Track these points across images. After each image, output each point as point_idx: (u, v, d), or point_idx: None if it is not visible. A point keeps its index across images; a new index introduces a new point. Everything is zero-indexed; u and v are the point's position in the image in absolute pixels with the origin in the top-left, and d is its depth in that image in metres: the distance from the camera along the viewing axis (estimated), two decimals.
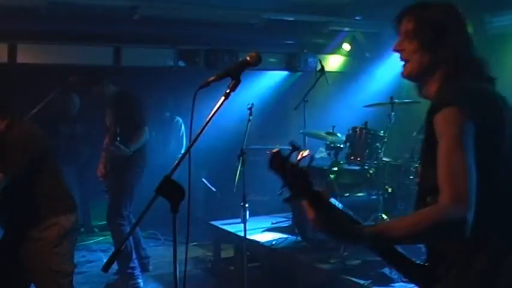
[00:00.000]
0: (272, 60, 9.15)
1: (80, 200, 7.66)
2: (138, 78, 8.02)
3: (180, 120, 8.86)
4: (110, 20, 7.28)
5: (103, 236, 8.56)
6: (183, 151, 8.54)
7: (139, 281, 6.32)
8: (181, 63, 8.28)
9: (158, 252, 7.43)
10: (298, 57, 9.08)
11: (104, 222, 7.25)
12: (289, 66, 9.19)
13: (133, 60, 7.92)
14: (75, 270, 4.19)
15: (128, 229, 6.08)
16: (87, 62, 7.87)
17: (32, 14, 6.76)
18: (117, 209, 6.22)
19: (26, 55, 7.62)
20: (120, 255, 2.38)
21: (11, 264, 3.94)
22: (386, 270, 4.92)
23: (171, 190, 2.27)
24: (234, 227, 6.71)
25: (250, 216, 5.78)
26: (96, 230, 8.85)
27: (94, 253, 7.88)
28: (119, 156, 6.25)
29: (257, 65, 2.53)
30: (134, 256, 6.30)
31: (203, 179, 8.13)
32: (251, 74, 2.34)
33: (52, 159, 3.94)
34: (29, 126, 4.03)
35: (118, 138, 6.23)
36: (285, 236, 6.45)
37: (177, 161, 2.31)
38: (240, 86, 2.44)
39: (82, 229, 8.02)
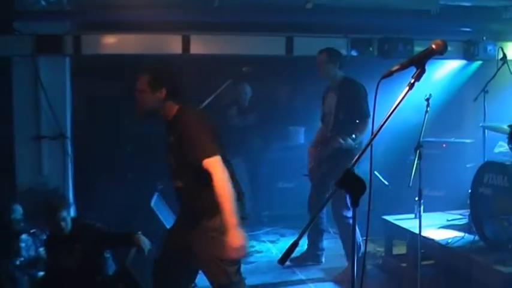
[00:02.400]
0: (449, 48, 8.74)
1: (249, 190, 7.88)
2: (309, 68, 8.07)
3: None
4: (282, 9, 7.40)
5: (272, 226, 8.74)
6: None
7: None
8: (354, 53, 8.22)
9: (327, 245, 7.45)
10: (476, 45, 8.64)
11: (275, 213, 7.41)
12: (467, 54, 8.77)
13: (305, 50, 7.97)
14: (244, 259, 4.29)
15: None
16: (259, 52, 8.06)
17: (205, 5, 7.05)
18: (342, 202, 6.25)
19: (199, 46, 7.95)
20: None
21: (183, 252, 4.12)
22: None
23: (352, 183, 2.27)
24: (407, 223, 6.54)
25: (424, 211, 5.59)
26: (265, 220, 9.04)
27: (263, 243, 8.08)
28: (339, 149, 6.32)
29: (443, 53, 2.48)
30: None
31: (375, 172, 8.00)
32: (427, 63, 2.29)
33: (221, 147, 4.07)
34: (200, 111, 4.23)
35: (337, 129, 6.42)
36: (461, 234, 6.19)
37: (358, 154, 2.29)
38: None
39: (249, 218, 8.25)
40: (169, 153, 4.12)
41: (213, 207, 3.84)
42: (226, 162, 4.04)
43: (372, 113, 2.28)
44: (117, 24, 7.68)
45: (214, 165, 3.79)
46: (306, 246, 7.13)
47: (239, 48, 7.95)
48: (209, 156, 3.80)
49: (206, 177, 3.81)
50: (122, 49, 7.81)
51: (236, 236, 3.71)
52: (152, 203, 6.80)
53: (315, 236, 7.06)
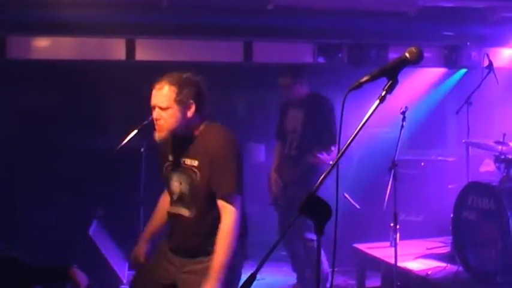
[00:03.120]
0: (428, 55, 8.93)
1: None
2: (270, 76, 8.13)
3: None
4: (240, 10, 7.43)
5: None
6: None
7: None
8: (321, 60, 8.29)
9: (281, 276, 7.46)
10: (459, 51, 8.80)
11: None
12: (448, 62, 8.93)
13: (266, 56, 8.03)
14: None
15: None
16: (214, 58, 8.09)
17: (153, 5, 7.04)
18: (304, 222, 6.26)
19: (145, 52, 7.95)
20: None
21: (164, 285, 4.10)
22: None
23: (316, 208, 2.29)
24: (381, 252, 6.61)
25: (401, 239, 5.66)
26: None
27: None
28: (308, 168, 6.46)
29: (418, 62, 2.51)
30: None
31: (345, 194, 8.06)
32: (402, 72, 2.31)
33: None
34: (229, 130, 4.14)
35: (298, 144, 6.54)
36: (443, 264, 6.27)
37: (322, 175, 2.30)
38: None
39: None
40: (178, 178, 3.99)
41: (212, 244, 3.82)
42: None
43: (338, 129, 2.31)
44: (50, 25, 7.59)
45: (233, 206, 3.78)
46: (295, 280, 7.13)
47: (191, 55, 7.97)
48: (232, 195, 3.79)
49: (215, 208, 3.83)
50: (55, 54, 7.76)
51: None
52: (90, 232, 6.73)
53: (299, 267, 7.04)
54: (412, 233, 7.22)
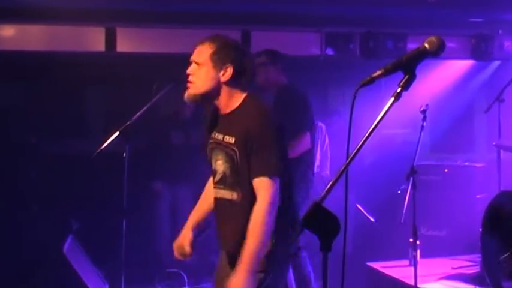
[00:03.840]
0: (453, 45, 8.95)
1: None
2: None
3: (324, 127, 8.88)
4: None
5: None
6: (327, 169, 8.55)
7: None
8: (329, 52, 8.30)
9: None
10: (489, 41, 8.81)
11: None
12: (477, 53, 8.93)
13: (266, 47, 8.02)
14: None
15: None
16: None
17: None
18: None
19: (127, 42, 7.96)
20: None
21: None
22: None
23: (322, 221, 2.27)
24: (399, 272, 6.59)
25: (422, 257, 5.66)
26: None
27: None
28: None
29: (439, 54, 2.50)
30: None
31: (357, 205, 8.08)
32: (423, 65, 2.29)
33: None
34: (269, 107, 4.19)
35: None
36: (471, 287, 6.26)
37: (330, 183, 2.30)
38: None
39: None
40: (216, 156, 4.09)
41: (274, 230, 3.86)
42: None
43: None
44: (16, 11, 7.60)
45: (269, 188, 3.80)
46: None
47: (180, 46, 7.92)
48: (268, 176, 3.81)
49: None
50: (22, 44, 7.76)
51: (244, 283, 3.72)
52: (65, 249, 6.73)
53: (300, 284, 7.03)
54: (435, 249, 7.22)
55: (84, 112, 9.03)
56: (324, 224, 2.27)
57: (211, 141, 4.11)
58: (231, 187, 4.01)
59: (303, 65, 8.68)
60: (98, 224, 7.31)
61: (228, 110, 3.99)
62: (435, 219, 7.77)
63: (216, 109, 4.04)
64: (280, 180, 3.83)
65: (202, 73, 3.92)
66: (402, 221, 5.48)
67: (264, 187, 3.79)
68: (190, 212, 7.74)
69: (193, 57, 3.96)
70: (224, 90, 3.94)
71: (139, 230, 7.03)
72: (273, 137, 3.88)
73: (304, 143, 6.48)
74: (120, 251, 5.65)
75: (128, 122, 5.39)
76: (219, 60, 3.89)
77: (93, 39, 7.84)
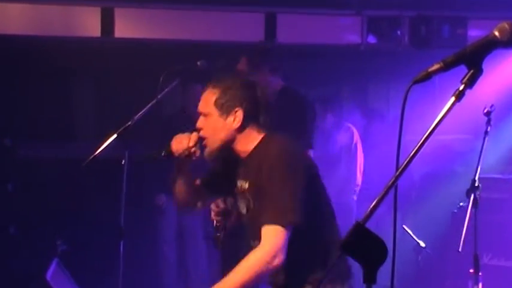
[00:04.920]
0: None
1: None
2: (300, 62, 8.16)
3: (352, 128, 8.86)
4: None
5: None
6: (358, 181, 8.56)
7: None
8: (371, 40, 8.32)
9: None
10: None
11: None
12: None
13: (295, 33, 8.07)
14: None
15: None
16: (223, 37, 8.11)
17: None
18: None
19: (127, 26, 8.01)
20: None
21: None
22: None
23: (365, 247, 2.26)
24: None
25: None
26: None
27: None
28: None
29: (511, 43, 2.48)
30: None
31: (404, 226, 8.08)
32: (488, 57, 2.27)
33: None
34: (297, 144, 4.42)
35: None
36: None
37: (375, 200, 2.28)
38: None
39: None
40: (240, 204, 4.26)
41: (302, 277, 4.06)
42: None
43: (399, 136, 2.31)
44: None
45: (273, 237, 3.90)
46: None
47: (191, 31, 8.00)
48: (280, 223, 3.90)
49: (301, 239, 3.96)
50: (2, 28, 7.81)
51: None
52: (49, 276, 6.78)
53: None
54: (500, 282, 7.21)
55: (75, 109, 9.06)
56: (368, 249, 2.24)
57: (234, 187, 4.26)
58: (254, 237, 4.12)
59: (339, 56, 8.68)
60: (89, 246, 7.35)
61: (245, 155, 4.14)
62: (501, 245, 7.72)
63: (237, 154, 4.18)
64: (297, 225, 3.92)
65: (209, 124, 4.09)
66: (460, 247, 5.47)
67: (268, 235, 3.91)
68: (199, 231, 7.81)
69: (199, 108, 4.15)
70: (239, 136, 4.10)
71: (140, 253, 7.08)
72: (289, 178, 3.97)
73: None
74: (116, 278, 5.68)
75: (129, 123, 5.42)
76: (225, 105, 4.04)
77: (87, 22, 7.89)
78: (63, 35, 7.76)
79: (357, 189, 8.48)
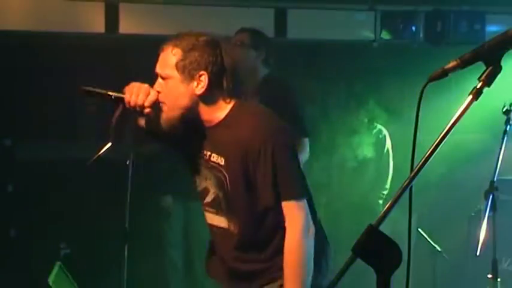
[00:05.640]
0: None
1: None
2: (311, 58, 8.15)
3: (384, 131, 8.86)
4: None
5: None
6: (388, 183, 8.54)
7: None
8: (385, 36, 8.31)
9: None
10: None
11: None
12: None
13: (306, 30, 8.07)
14: None
15: None
16: (231, 32, 8.12)
17: None
18: None
19: (134, 21, 8.03)
20: None
21: None
22: None
23: (379, 250, 2.24)
24: None
25: None
26: None
27: None
28: None
29: None
30: None
31: (419, 230, 8.07)
32: (506, 54, 2.27)
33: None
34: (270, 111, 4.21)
35: None
36: None
37: (389, 203, 2.29)
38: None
39: None
40: (205, 175, 4.14)
41: (277, 265, 3.98)
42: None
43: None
44: None
45: (298, 214, 3.90)
46: None
47: (198, 27, 7.92)
48: (295, 198, 3.92)
49: (277, 221, 3.95)
50: (1, 22, 7.82)
51: None
52: (51, 280, 6.80)
53: None
54: None
55: (77, 108, 9.06)
56: (382, 253, 2.22)
57: (195, 155, 4.14)
58: (225, 215, 4.09)
59: (351, 52, 8.67)
60: (93, 249, 7.36)
61: (211, 124, 3.99)
62: None
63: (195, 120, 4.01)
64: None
65: (168, 89, 3.89)
66: (478, 251, 5.45)
67: (293, 211, 3.90)
68: (206, 234, 7.80)
69: (157, 69, 3.94)
70: (203, 104, 3.93)
71: (145, 256, 7.08)
72: (290, 151, 4.00)
73: (307, 150, 6.47)
74: (121, 283, 5.70)
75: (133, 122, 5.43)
76: (187, 68, 3.85)
77: (90, 18, 7.90)
78: (65, 30, 7.74)
79: (385, 193, 8.48)
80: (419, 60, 7.94)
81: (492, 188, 5.36)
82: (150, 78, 6.54)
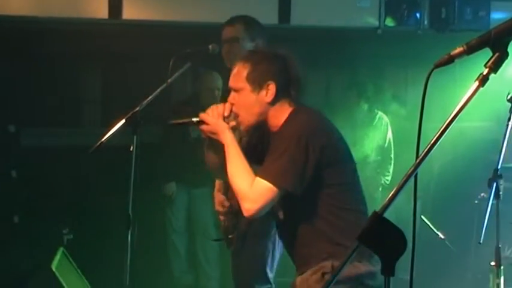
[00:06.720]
0: None
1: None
2: (316, 47, 8.14)
3: (385, 118, 8.86)
4: None
5: None
6: (389, 171, 8.54)
7: None
8: (389, 23, 8.30)
9: None
10: None
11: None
12: None
13: (309, 17, 8.06)
14: None
15: None
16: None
17: None
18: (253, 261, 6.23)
19: (137, 7, 7.98)
20: None
21: None
22: None
23: (384, 237, 2.26)
24: None
25: (507, 286, 5.66)
26: None
27: None
28: None
29: None
30: None
31: (422, 217, 8.07)
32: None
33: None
34: (322, 117, 4.47)
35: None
36: None
37: (394, 190, 2.30)
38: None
39: None
40: None
41: (323, 249, 4.18)
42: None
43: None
44: None
45: (257, 194, 4.07)
46: None
47: (202, 13, 7.99)
48: (273, 182, 4.05)
49: (313, 207, 4.16)
50: (3, 9, 7.78)
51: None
52: (54, 266, 6.80)
53: None
54: None
55: (80, 95, 9.06)
56: (387, 240, 2.24)
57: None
58: (278, 206, 4.30)
59: (355, 40, 8.67)
60: (96, 236, 7.36)
61: (276, 129, 4.29)
62: None
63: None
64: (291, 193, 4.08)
65: (243, 100, 4.24)
66: (481, 239, 5.44)
67: (258, 187, 4.07)
68: (209, 220, 7.76)
69: (230, 84, 4.30)
70: (272, 110, 4.25)
71: (148, 243, 7.07)
72: (294, 148, 4.09)
73: None
74: (124, 269, 5.69)
75: (137, 108, 5.41)
76: (257, 80, 4.20)
77: (93, 3, 7.87)
78: (67, 16, 7.71)
79: (388, 178, 8.49)
80: (423, 47, 7.93)
81: (496, 175, 5.35)
82: (152, 63, 6.53)
